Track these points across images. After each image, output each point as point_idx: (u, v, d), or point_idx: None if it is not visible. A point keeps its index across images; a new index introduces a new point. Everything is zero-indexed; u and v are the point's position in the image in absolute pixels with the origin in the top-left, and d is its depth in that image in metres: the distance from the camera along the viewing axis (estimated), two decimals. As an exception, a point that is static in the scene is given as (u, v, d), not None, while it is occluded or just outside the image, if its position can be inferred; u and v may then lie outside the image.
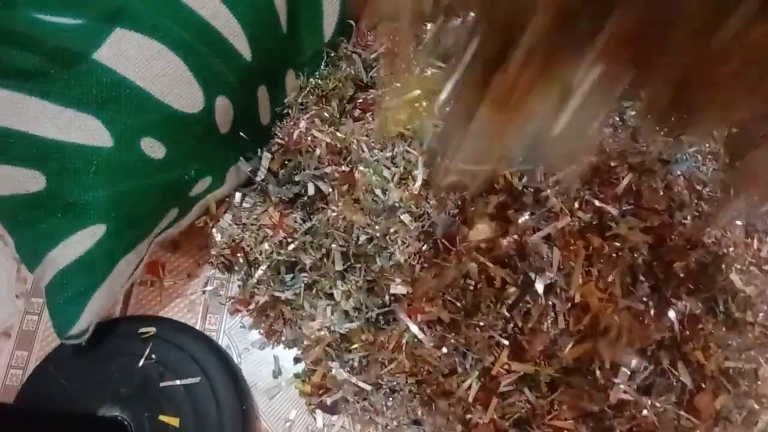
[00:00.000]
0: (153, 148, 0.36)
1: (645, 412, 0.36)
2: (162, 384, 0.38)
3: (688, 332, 0.37)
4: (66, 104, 0.35)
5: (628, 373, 0.36)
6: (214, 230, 0.42)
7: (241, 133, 0.40)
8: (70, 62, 0.35)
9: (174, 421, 0.37)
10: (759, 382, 0.41)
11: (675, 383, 0.37)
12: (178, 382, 0.38)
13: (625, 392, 0.36)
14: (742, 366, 0.38)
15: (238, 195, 0.42)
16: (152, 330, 0.40)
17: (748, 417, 0.39)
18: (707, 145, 0.41)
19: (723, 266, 0.37)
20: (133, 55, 0.35)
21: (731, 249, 0.37)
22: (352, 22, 0.44)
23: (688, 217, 0.38)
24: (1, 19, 0.35)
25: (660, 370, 0.37)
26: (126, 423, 0.37)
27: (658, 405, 0.36)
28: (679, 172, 0.39)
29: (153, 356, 0.39)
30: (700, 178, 0.39)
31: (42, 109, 0.35)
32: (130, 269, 0.38)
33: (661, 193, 0.38)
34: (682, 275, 0.37)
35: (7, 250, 0.44)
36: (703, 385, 0.38)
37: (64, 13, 0.35)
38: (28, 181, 0.36)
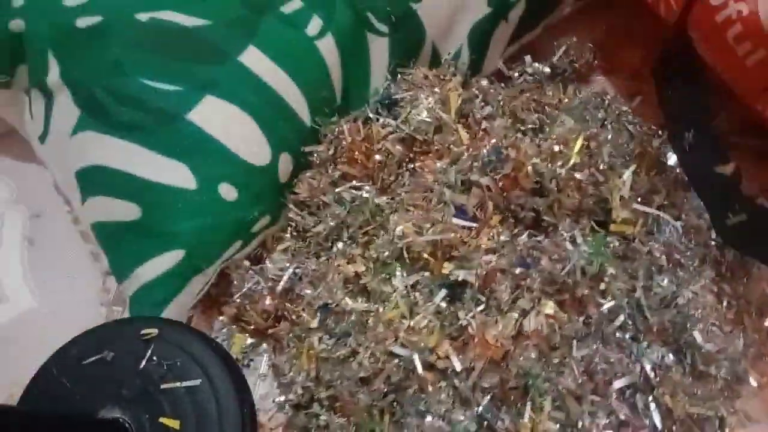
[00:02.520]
0: (228, 191, 0.45)
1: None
2: (163, 386, 0.38)
3: (658, 379, 0.44)
4: (161, 152, 0.44)
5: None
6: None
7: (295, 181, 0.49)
8: (167, 120, 0.44)
9: (175, 424, 0.37)
10: (727, 430, 0.47)
11: (648, 423, 0.44)
12: (179, 383, 0.38)
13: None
14: (706, 413, 0.44)
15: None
16: (154, 331, 0.40)
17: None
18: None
19: (688, 325, 0.43)
20: (218, 117, 0.44)
21: (699, 311, 0.44)
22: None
23: (665, 281, 0.45)
24: (117, 83, 0.44)
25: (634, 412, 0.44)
26: (127, 425, 0.37)
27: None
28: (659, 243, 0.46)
29: (154, 358, 0.39)
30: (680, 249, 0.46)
31: (142, 155, 0.44)
32: (199, 287, 0.47)
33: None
34: (655, 329, 0.44)
35: (96, 266, 0.52)
36: (673, 428, 0.45)
37: (166, 81, 0.44)
38: (127, 211, 0.45)
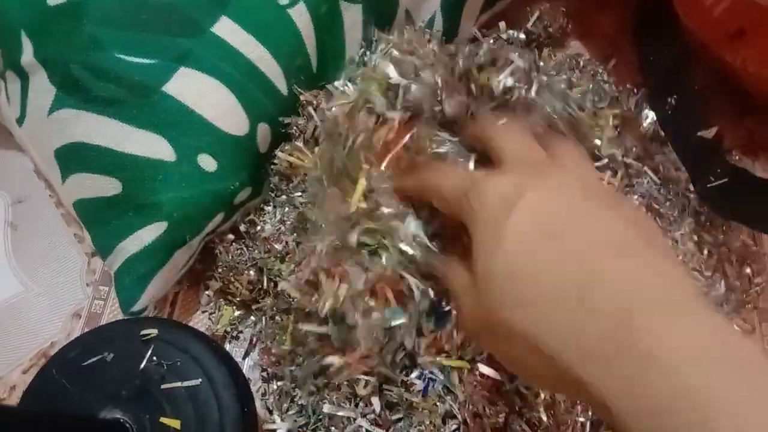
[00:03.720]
0: (207, 162, 0.45)
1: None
2: (163, 386, 0.38)
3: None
4: (139, 126, 0.44)
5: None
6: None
7: (275, 153, 0.49)
8: (144, 93, 0.44)
9: (175, 423, 0.38)
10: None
11: None
12: (179, 383, 0.38)
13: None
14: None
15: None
16: (154, 332, 0.40)
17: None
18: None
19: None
20: (194, 89, 0.44)
21: (680, 257, 0.44)
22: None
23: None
24: (95, 58, 0.44)
25: None
26: (128, 425, 0.37)
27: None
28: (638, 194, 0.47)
29: (154, 358, 0.39)
30: (659, 200, 0.47)
31: (120, 129, 0.44)
32: (183, 260, 0.47)
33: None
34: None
35: (79, 246, 0.53)
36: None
37: (141, 55, 0.44)
38: (107, 186, 0.45)
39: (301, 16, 0.47)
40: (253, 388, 0.47)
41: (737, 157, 0.56)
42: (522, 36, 0.58)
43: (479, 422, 0.43)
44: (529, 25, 0.59)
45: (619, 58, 0.61)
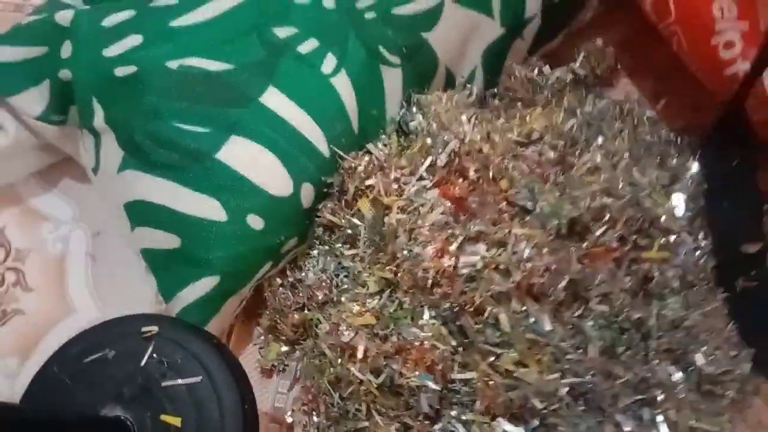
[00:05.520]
0: (255, 221, 0.49)
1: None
2: (164, 383, 0.38)
3: (664, 394, 0.46)
4: (195, 189, 0.48)
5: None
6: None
7: (319, 206, 0.52)
8: (198, 159, 0.48)
9: (176, 421, 0.38)
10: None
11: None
12: (179, 381, 0.38)
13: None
14: (711, 428, 0.46)
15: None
16: (154, 329, 0.41)
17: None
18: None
19: (691, 347, 0.45)
20: (243, 155, 0.48)
21: (704, 334, 0.45)
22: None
23: (676, 304, 0.46)
24: (155, 126, 0.48)
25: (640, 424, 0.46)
26: (128, 423, 0.37)
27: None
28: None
29: (155, 355, 0.39)
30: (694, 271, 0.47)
31: (178, 191, 0.49)
32: (234, 307, 0.52)
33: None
34: (663, 349, 0.46)
35: (149, 279, 0.58)
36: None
37: (196, 124, 0.48)
38: (168, 240, 0.50)
39: (343, 85, 0.49)
40: (296, 418, 0.52)
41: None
42: (569, 77, 0.59)
43: (495, 474, 0.46)
44: (576, 65, 0.59)
45: (671, 96, 0.60)
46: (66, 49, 0.51)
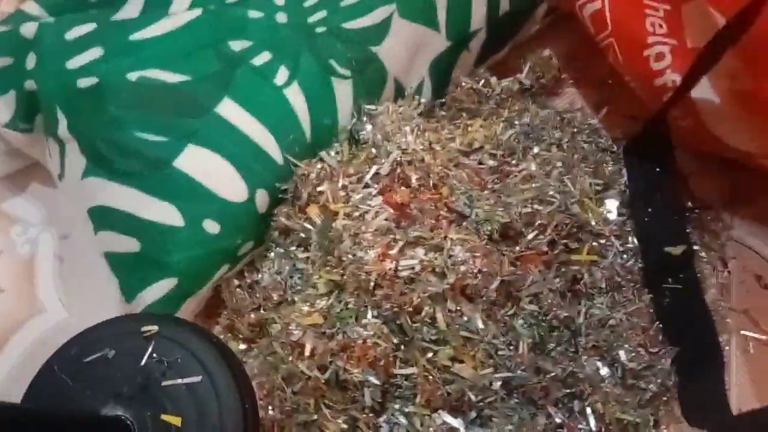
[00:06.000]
0: (211, 226, 0.52)
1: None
2: (164, 383, 0.38)
3: (592, 388, 0.49)
4: (154, 195, 0.51)
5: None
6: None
7: (275, 211, 0.55)
8: (158, 167, 0.51)
9: (176, 420, 0.38)
10: (662, 428, 0.53)
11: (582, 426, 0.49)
12: (179, 380, 0.38)
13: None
14: (635, 419, 0.49)
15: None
16: (154, 328, 0.40)
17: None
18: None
19: (614, 344, 0.48)
20: (199, 163, 0.51)
21: (627, 332, 0.49)
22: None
23: (602, 304, 0.49)
24: (114, 136, 0.51)
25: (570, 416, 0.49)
26: (129, 422, 0.37)
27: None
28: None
29: (155, 355, 0.39)
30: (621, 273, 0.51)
31: (139, 198, 0.51)
32: (193, 307, 0.55)
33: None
34: (590, 346, 0.49)
35: (115, 280, 0.61)
36: (610, 428, 0.50)
37: (154, 133, 0.51)
38: (129, 244, 0.52)
39: (295, 95, 0.52)
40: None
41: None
42: (516, 86, 0.62)
43: (437, 465, 0.49)
44: (522, 75, 0.62)
45: (612, 106, 0.63)
46: (30, 61, 0.54)
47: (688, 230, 0.52)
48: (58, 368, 0.40)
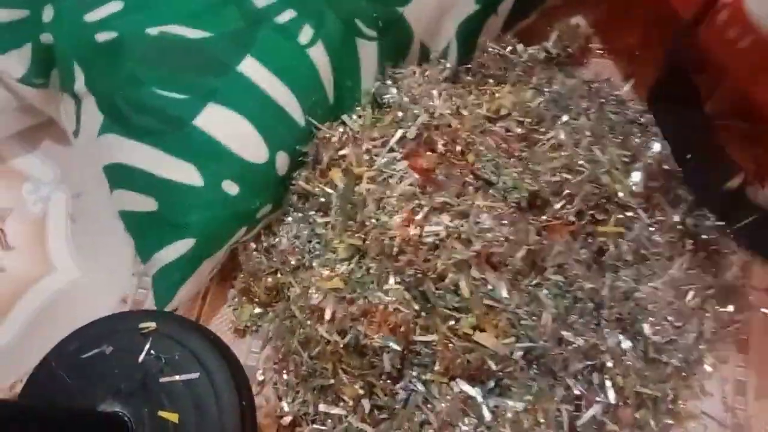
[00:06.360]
0: (231, 187, 0.51)
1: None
2: (162, 379, 0.39)
3: (613, 361, 0.49)
4: (173, 154, 0.50)
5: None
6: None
7: (294, 174, 0.54)
8: (177, 125, 0.50)
9: (173, 417, 0.38)
10: (680, 403, 0.52)
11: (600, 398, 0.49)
12: (177, 377, 0.39)
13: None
14: (654, 393, 0.49)
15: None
16: (152, 325, 0.41)
17: (664, 428, 0.51)
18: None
19: (639, 317, 0.48)
20: (220, 122, 0.50)
21: (653, 305, 0.48)
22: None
23: (627, 277, 0.49)
24: (134, 92, 0.50)
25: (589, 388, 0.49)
26: (126, 419, 0.37)
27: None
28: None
29: (153, 352, 0.40)
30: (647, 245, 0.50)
31: (156, 156, 0.50)
32: (210, 268, 0.54)
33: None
34: (614, 318, 0.48)
35: (128, 239, 0.60)
36: (627, 402, 0.50)
37: (174, 90, 0.50)
38: (146, 203, 0.52)
39: (319, 55, 0.51)
40: (267, 376, 0.55)
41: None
42: (542, 55, 0.60)
43: (452, 430, 0.49)
44: (549, 44, 0.60)
45: (638, 78, 0.62)
46: (48, 13, 0.52)
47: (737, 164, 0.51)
48: (55, 364, 0.40)
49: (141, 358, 0.40)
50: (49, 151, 0.64)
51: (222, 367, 0.41)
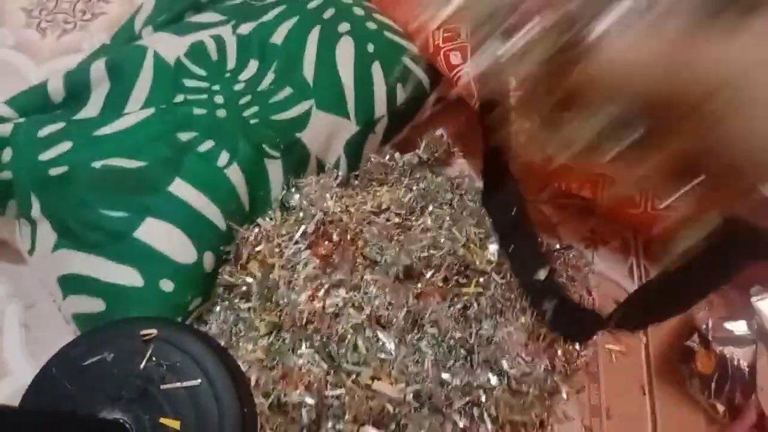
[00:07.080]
0: (167, 285, 0.62)
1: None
2: (163, 386, 0.39)
3: (486, 395, 0.61)
4: (117, 261, 0.61)
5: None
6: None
7: (219, 270, 0.66)
8: (120, 237, 0.61)
9: (175, 424, 0.38)
10: (548, 427, 0.65)
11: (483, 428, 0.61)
12: (179, 384, 0.39)
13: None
14: (522, 419, 0.61)
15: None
16: (153, 331, 0.41)
17: (539, 453, 0.63)
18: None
19: (498, 356, 0.61)
20: (155, 232, 0.61)
21: (508, 347, 0.61)
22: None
23: (487, 326, 0.62)
24: (84, 215, 0.61)
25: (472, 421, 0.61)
26: (127, 426, 0.37)
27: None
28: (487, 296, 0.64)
29: (154, 358, 0.40)
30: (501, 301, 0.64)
31: (103, 264, 0.60)
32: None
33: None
34: (482, 359, 0.61)
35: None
36: (503, 429, 0.62)
37: (117, 209, 0.61)
38: (95, 304, 0.61)
39: (235, 174, 0.64)
40: None
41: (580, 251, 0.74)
42: (415, 160, 0.76)
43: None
44: (420, 150, 0.76)
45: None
46: (6, 155, 0.64)
47: (545, 257, 0.65)
48: (57, 371, 0.41)
49: (142, 364, 0.40)
50: (2, 269, 0.74)
51: (224, 373, 0.41)
